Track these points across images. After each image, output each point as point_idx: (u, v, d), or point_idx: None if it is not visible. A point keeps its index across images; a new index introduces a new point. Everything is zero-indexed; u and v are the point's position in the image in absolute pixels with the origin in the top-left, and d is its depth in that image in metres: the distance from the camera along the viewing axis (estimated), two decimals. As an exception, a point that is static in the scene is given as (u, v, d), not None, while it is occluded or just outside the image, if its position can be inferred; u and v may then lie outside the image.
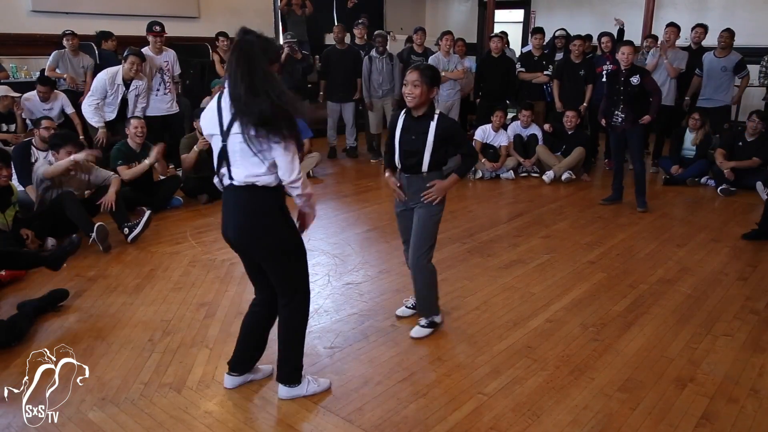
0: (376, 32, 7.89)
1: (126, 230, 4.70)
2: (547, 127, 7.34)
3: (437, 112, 3.03)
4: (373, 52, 7.65)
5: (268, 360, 2.84)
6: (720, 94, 7.08)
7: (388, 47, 7.87)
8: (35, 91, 6.39)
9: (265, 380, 2.82)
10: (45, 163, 4.76)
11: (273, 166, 2.34)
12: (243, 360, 2.77)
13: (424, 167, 3.05)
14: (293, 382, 2.68)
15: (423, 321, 3.29)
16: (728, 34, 6.98)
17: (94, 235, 4.47)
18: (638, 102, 5.52)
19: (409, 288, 3.45)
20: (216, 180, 2.48)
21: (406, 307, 3.51)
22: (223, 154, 2.36)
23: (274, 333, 2.68)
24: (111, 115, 6.14)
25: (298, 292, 2.58)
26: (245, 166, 2.34)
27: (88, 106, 6.02)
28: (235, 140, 2.31)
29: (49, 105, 6.43)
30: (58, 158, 4.67)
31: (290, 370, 2.67)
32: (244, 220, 2.42)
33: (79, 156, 4.61)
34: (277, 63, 2.36)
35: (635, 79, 5.45)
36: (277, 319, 2.68)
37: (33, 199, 4.95)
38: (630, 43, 5.61)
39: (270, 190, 2.38)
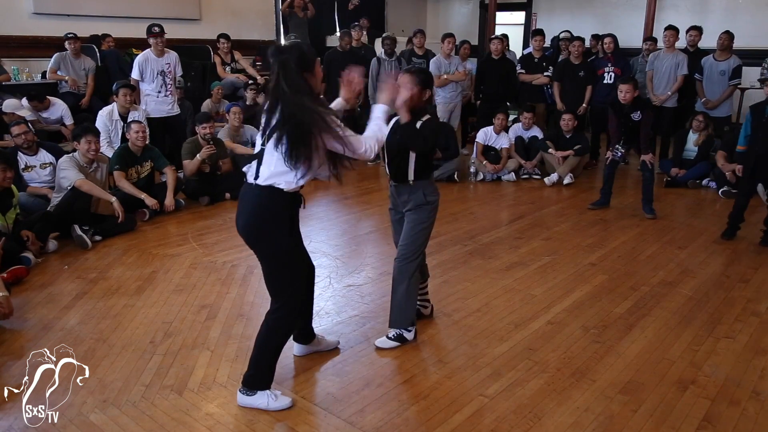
0: (384, 35, 7.86)
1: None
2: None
3: (426, 116, 2.98)
4: (382, 55, 7.62)
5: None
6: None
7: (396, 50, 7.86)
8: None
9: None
10: (72, 164, 4.81)
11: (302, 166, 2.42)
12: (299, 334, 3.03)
13: (410, 175, 2.99)
14: (251, 388, 2.63)
15: (392, 333, 3.15)
16: (727, 36, 6.95)
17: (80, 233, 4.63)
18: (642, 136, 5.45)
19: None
20: (244, 169, 2.59)
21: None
22: (260, 155, 2.48)
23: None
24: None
25: (285, 303, 2.58)
26: (274, 165, 2.42)
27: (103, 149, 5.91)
28: (272, 143, 2.40)
29: (47, 114, 6.47)
30: (79, 148, 4.89)
31: (252, 375, 2.63)
32: (252, 220, 2.50)
33: (119, 210, 4.86)
34: (312, 69, 2.51)
35: (636, 116, 5.37)
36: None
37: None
38: (630, 80, 5.39)
39: (286, 194, 2.45)
